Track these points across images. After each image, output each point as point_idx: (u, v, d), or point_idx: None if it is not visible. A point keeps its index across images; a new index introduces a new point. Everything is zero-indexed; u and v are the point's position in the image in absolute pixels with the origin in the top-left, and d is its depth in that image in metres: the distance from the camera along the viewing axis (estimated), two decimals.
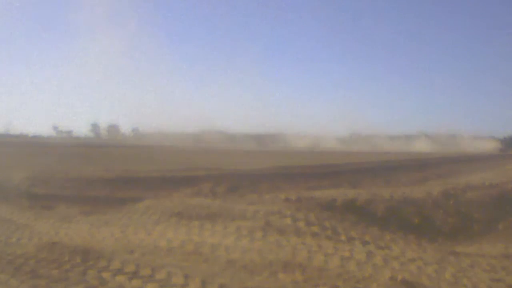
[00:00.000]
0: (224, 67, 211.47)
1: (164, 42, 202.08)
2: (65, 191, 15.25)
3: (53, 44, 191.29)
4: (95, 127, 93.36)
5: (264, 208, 9.29)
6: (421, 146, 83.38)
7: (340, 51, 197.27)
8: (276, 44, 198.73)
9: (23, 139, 76.88)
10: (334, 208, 9.81)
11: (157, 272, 5.97)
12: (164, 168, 21.58)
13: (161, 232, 8.18)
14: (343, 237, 7.81)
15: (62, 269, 6.23)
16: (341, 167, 26.74)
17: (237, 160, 31.89)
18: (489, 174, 24.30)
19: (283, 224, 8.30)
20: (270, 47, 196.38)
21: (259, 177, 18.84)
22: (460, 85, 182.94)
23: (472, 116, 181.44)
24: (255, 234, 7.69)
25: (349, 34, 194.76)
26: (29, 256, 6.91)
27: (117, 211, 10.86)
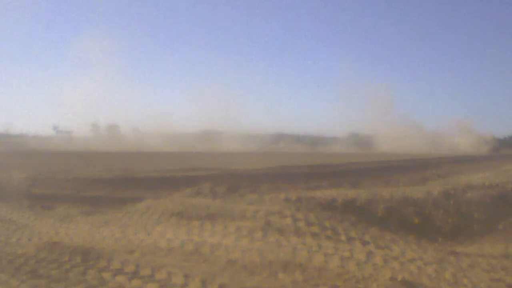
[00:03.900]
0: (224, 67, 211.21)
1: (164, 41, 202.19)
2: (65, 191, 15.27)
3: (53, 44, 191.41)
4: (95, 127, 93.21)
5: (264, 208, 9.29)
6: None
7: (340, 51, 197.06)
8: (276, 44, 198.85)
9: (23, 139, 76.87)
10: (334, 208, 9.81)
11: (157, 272, 5.97)
12: (164, 168, 21.60)
13: (161, 232, 8.19)
14: (343, 237, 7.81)
15: (62, 269, 6.23)
16: (341, 167, 26.76)
17: (237, 160, 31.88)
18: (489, 174, 24.30)
19: (283, 224, 8.30)
20: (270, 47, 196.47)
21: (259, 177, 18.84)
22: (460, 85, 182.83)
23: (472, 116, 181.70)
24: (255, 234, 7.69)
25: (349, 34, 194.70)
26: (29, 256, 6.91)
27: (117, 211, 10.87)
